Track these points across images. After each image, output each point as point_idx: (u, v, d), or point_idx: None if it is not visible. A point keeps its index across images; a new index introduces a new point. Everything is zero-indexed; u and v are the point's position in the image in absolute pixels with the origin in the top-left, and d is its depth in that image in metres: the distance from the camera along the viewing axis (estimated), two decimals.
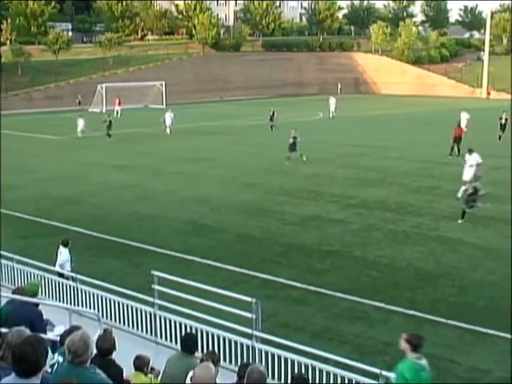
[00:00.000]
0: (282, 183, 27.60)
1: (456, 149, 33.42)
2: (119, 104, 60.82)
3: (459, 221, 20.73)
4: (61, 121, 55.33)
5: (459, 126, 35.16)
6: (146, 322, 11.83)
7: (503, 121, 40.29)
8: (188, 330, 10.99)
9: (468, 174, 24.06)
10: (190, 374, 6.43)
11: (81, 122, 43.82)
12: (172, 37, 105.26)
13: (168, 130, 44.60)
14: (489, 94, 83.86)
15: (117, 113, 58.98)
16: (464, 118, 39.19)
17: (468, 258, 17.38)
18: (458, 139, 33.78)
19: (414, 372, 7.51)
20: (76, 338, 5.61)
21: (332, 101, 57.63)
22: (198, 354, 8.17)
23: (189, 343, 8.04)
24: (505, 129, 40.13)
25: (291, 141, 32.13)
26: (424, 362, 7.63)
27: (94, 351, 6.40)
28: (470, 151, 24.83)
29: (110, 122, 42.13)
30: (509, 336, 12.31)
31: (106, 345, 6.90)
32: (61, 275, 13.56)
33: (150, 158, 34.99)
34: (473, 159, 24.42)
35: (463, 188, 22.26)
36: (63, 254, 14.04)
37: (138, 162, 33.61)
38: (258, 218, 21.92)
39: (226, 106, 71.34)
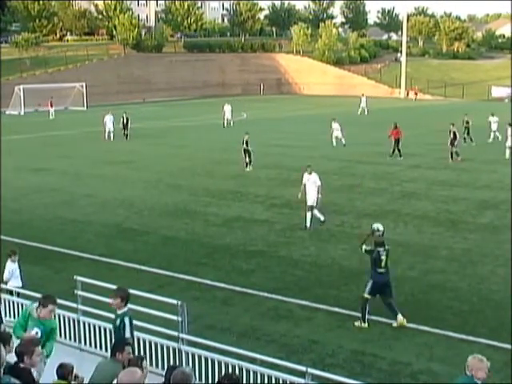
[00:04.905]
0: (207, 184, 27.57)
1: (397, 150, 33.73)
2: (51, 106, 60.42)
3: None
4: None
5: (395, 127, 34.46)
6: (70, 329, 11.60)
7: (469, 125, 36.74)
8: (113, 335, 10.82)
9: (313, 197, 20.54)
10: (115, 380, 6.33)
11: None
12: (92, 37, 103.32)
13: (107, 135, 42.60)
14: (416, 94, 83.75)
15: (51, 115, 58.86)
16: (336, 128, 38.36)
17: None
18: (396, 141, 34.07)
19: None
20: None
21: (227, 108, 50.56)
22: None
23: (113, 345, 7.92)
24: (469, 132, 37.08)
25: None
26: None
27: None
28: (310, 171, 20.81)
29: None
30: (427, 329, 12.75)
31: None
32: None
33: (70, 161, 34.26)
34: (313, 180, 20.63)
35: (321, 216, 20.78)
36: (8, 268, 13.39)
37: (59, 165, 32.85)
38: (182, 219, 21.83)
39: (148, 107, 70.57)
